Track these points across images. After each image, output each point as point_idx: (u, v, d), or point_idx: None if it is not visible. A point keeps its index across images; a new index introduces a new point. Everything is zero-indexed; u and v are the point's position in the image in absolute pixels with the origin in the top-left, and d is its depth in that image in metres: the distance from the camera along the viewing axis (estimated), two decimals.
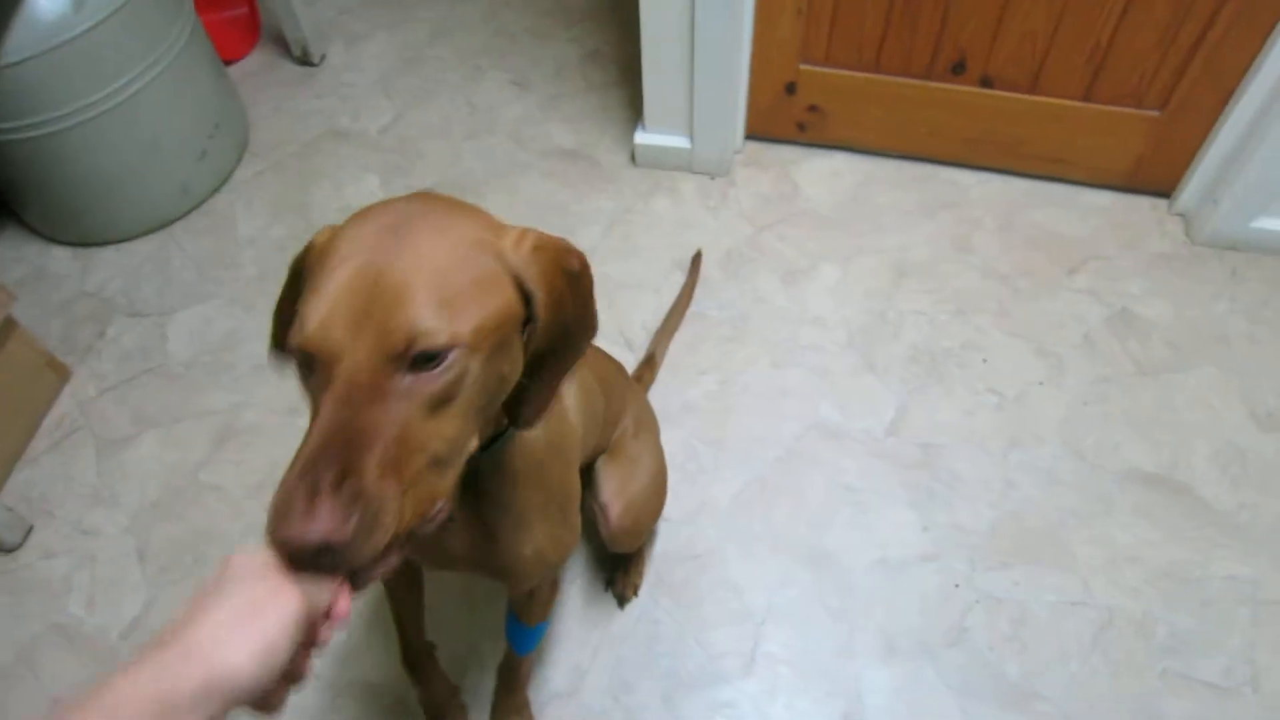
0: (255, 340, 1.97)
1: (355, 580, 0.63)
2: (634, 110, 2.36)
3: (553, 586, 1.21)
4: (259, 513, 1.71)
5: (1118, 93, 1.94)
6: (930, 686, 1.47)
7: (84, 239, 2.19)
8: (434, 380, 0.61)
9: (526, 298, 0.68)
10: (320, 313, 0.61)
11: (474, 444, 0.68)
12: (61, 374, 1.91)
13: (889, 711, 1.45)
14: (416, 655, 1.29)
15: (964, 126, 2.09)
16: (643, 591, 1.58)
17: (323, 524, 0.56)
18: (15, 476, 1.78)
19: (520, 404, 0.74)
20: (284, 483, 0.58)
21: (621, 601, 1.57)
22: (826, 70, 2.08)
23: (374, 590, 1.60)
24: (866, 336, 1.89)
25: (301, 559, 0.57)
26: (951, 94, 2.03)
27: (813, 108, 2.15)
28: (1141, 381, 1.81)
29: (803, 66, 2.08)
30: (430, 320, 0.60)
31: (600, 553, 1.63)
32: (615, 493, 1.31)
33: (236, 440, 1.81)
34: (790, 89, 2.13)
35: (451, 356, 0.61)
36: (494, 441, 0.79)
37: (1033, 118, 2.03)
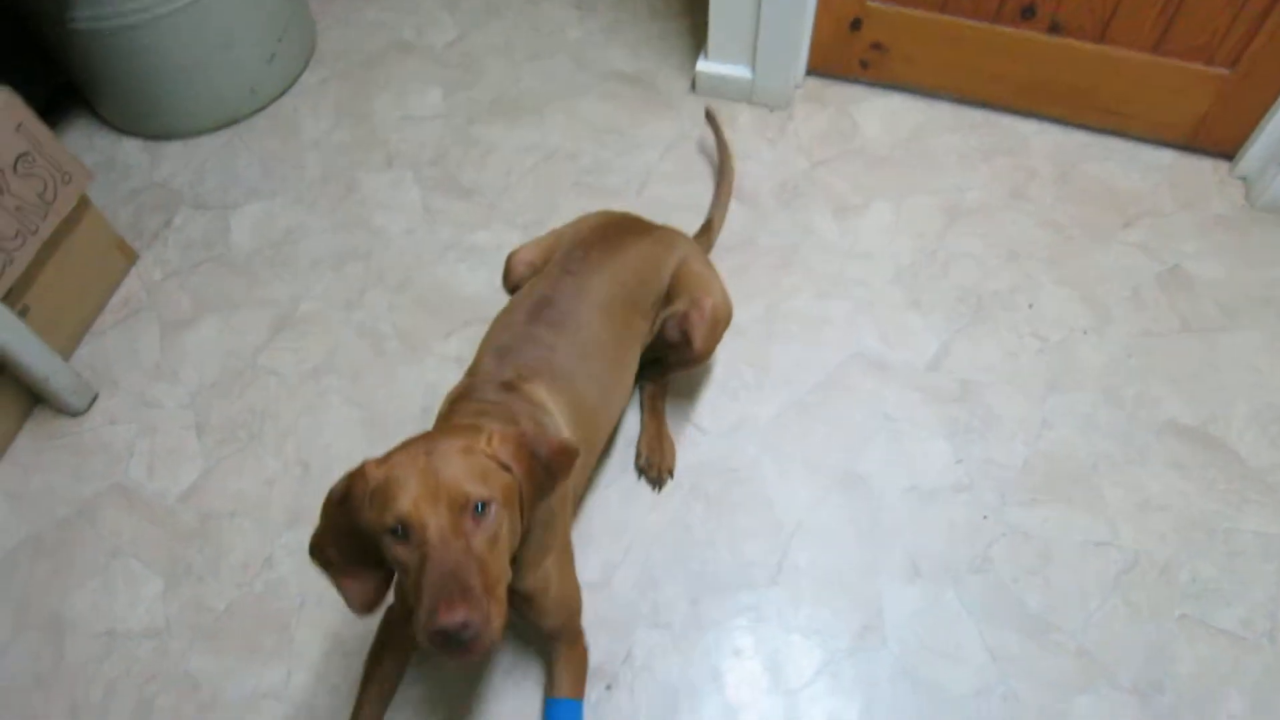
0: (315, 238, 2.02)
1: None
2: (695, 39, 2.36)
3: (579, 653, 1.39)
4: (314, 397, 1.78)
5: (1188, 48, 1.91)
6: (950, 610, 1.51)
7: (154, 132, 2.25)
8: (487, 524, 1.00)
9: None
10: (409, 501, 0.97)
11: (509, 576, 1.05)
12: (129, 257, 1.98)
13: (908, 629, 1.49)
14: None
15: (1028, 73, 2.08)
16: (677, 497, 1.63)
17: (463, 614, 0.93)
18: (83, 348, 1.86)
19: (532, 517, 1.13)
20: (430, 600, 0.94)
21: (658, 485, 1.63)
22: (893, 8, 2.07)
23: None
24: (914, 274, 1.91)
25: (449, 637, 0.93)
26: (1018, 39, 2.02)
27: (876, 45, 2.15)
28: (1187, 338, 1.81)
29: (869, 2, 2.07)
30: (476, 488, 1.00)
31: (630, 456, 1.67)
32: (704, 292, 1.52)
33: (294, 329, 1.87)
34: (855, 25, 2.12)
35: (493, 507, 1.01)
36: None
37: (1099, 68, 2.01)
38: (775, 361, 1.79)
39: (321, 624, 1.52)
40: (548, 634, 1.35)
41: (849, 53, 2.19)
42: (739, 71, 2.17)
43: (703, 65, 2.20)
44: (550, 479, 1.11)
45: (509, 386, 1.28)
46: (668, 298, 1.54)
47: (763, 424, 1.71)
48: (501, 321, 1.43)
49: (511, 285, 1.63)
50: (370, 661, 1.40)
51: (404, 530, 0.98)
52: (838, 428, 1.71)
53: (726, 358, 1.78)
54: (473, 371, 1.37)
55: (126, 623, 1.54)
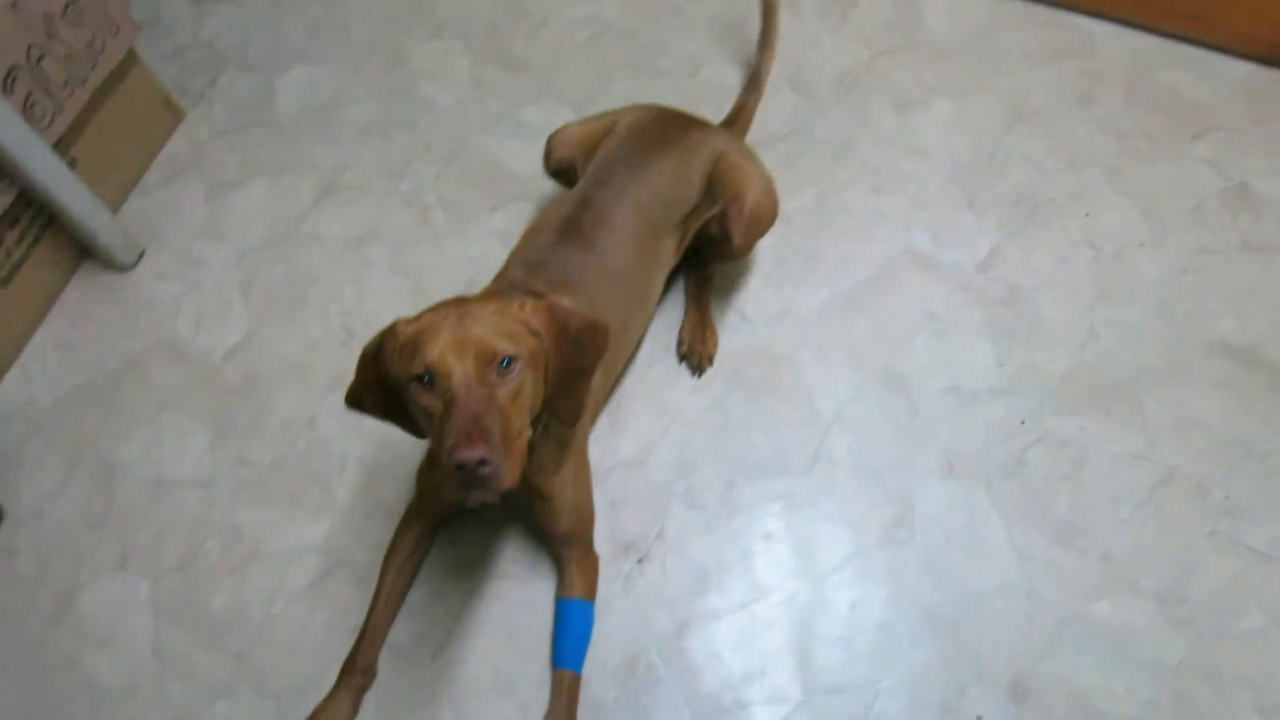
0: (360, 105, 2.00)
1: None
2: None
3: (591, 559, 1.41)
4: (358, 264, 1.78)
5: None
6: (981, 509, 1.52)
7: None
8: (511, 379, 1.04)
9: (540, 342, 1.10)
10: (437, 350, 1.02)
11: (529, 433, 1.09)
12: (176, 115, 1.97)
13: (938, 523, 1.51)
14: (362, 660, 1.37)
15: None
16: (716, 384, 1.64)
17: (482, 450, 0.96)
18: (130, 204, 1.87)
19: (561, 410, 1.16)
20: (453, 439, 0.97)
21: (699, 371, 1.64)
22: None
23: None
24: (971, 174, 1.86)
25: (467, 473, 0.97)
26: None
27: None
28: (1246, 257, 1.77)
29: None
30: (503, 344, 1.04)
31: (673, 340, 1.67)
32: (742, 190, 1.50)
33: (339, 196, 1.86)
34: None
35: (518, 364, 1.05)
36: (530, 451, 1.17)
37: None
38: (823, 253, 1.77)
39: (363, 484, 1.56)
40: (561, 538, 1.38)
41: None
42: None
43: None
44: (579, 353, 1.14)
45: (538, 295, 1.28)
46: (708, 194, 1.51)
47: (806, 315, 1.70)
48: (529, 239, 1.44)
49: (552, 167, 1.61)
50: (398, 536, 1.45)
51: (431, 378, 1.02)
52: (882, 323, 1.69)
53: (774, 247, 1.76)
54: (500, 278, 1.37)
55: (174, 472, 1.59)
